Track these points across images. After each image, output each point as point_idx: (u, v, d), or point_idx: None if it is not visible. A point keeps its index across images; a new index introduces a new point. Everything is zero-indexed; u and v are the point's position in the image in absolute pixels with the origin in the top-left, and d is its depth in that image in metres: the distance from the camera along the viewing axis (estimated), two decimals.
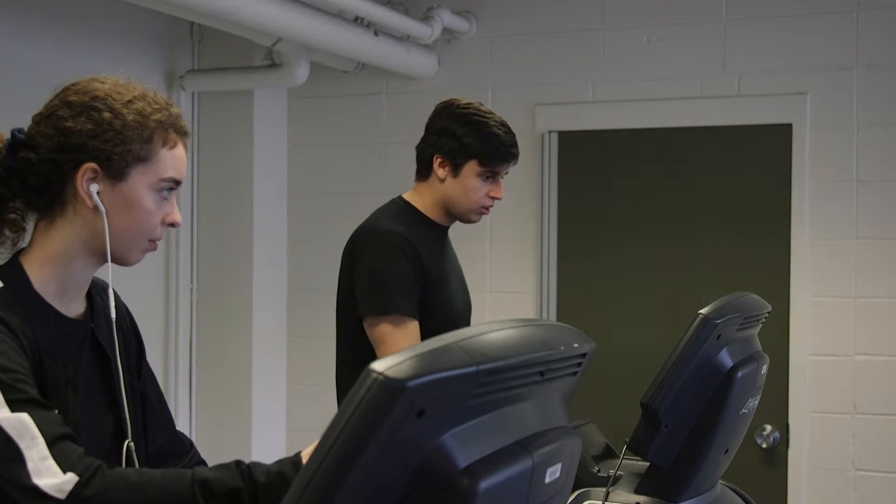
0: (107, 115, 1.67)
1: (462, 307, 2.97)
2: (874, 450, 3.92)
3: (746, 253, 4.08)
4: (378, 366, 0.95)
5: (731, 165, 4.12)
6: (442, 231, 2.95)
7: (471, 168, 2.85)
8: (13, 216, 1.73)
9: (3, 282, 1.66)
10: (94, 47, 4.04)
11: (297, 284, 4.71)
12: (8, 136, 1.71)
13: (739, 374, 2.04)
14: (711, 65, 4.13)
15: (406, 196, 2.94)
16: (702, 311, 1.99)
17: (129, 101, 1.69)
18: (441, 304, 2.86)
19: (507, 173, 2.92)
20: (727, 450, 2.15)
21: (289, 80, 4.33)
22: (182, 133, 1.75)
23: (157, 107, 1.71)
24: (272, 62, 4.35)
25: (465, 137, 2.83)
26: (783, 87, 4.04)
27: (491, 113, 2.89)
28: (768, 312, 2.26)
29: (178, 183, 1.73)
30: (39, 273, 1.68)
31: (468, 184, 2.86)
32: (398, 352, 0.98)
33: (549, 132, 4.33)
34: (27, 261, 1.70)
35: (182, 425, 4.55)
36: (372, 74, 4.57)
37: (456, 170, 2.85)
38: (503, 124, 2.88)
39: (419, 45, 4.37)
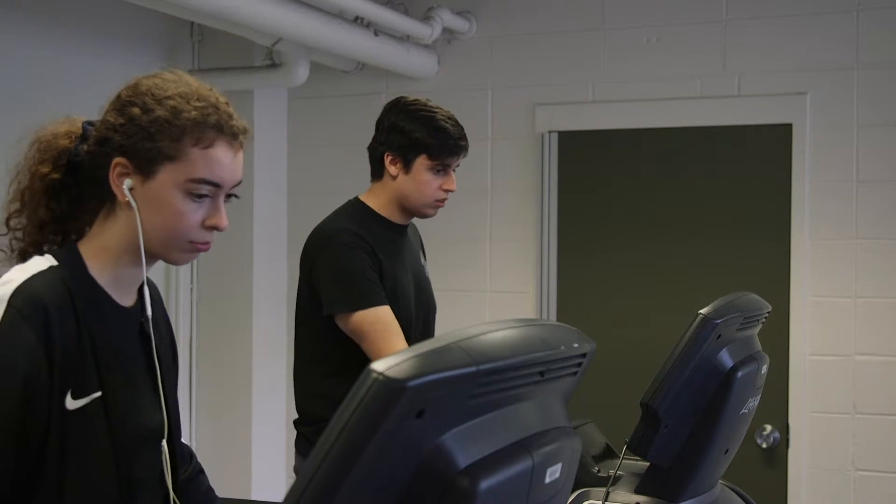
0: (136, 110, 1.67)
1: (416, 307, 2.96)
2: (874, 450, 3.92)
3: (746, 253, 4.07)
4: (378, 366, 0.95)
5: (731, 165, 4.12)
6: (398, 230, 2.97)
7: (421, 162, 2.89)
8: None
9: (58, 261, 1.66)
10: (94, 47, 4.03)
11: (296, 284, 4.70)
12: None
13: (739, 374, 2.04)
14: (711, 65, 4.13)
15: (362, 197, 2.99)
16: (702, 311, 1.99)
17: (166, 98, 1.67)
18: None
19: (458, 166, 2.96)
20: (727, 450, 2.15)
21: (289, 80, 4.33)
22: (227, 133, 1.71)
23: (199, 105, 1.68)
24: (272, 62, 4.35)
25: (413, 133, 2.87)
26: (783, 87, 4.04)
27: (438, 107, 2.93)
28: (768, 312, 2.26)
29: (216, 185, 1.69)
30: (94, 260, 1.69)
31: (420, 178, 2.89)
32: (399, 352, 0.98)
33: (549, 132, 4.33)
34: (83, 248, 1.71)
35: (182, 425, 4.56)
36: (372, 74, 4.57)
37: (407, 165, 2.89)
38: (451, 118, 2.92)
39: (419, 45, 4.36)
